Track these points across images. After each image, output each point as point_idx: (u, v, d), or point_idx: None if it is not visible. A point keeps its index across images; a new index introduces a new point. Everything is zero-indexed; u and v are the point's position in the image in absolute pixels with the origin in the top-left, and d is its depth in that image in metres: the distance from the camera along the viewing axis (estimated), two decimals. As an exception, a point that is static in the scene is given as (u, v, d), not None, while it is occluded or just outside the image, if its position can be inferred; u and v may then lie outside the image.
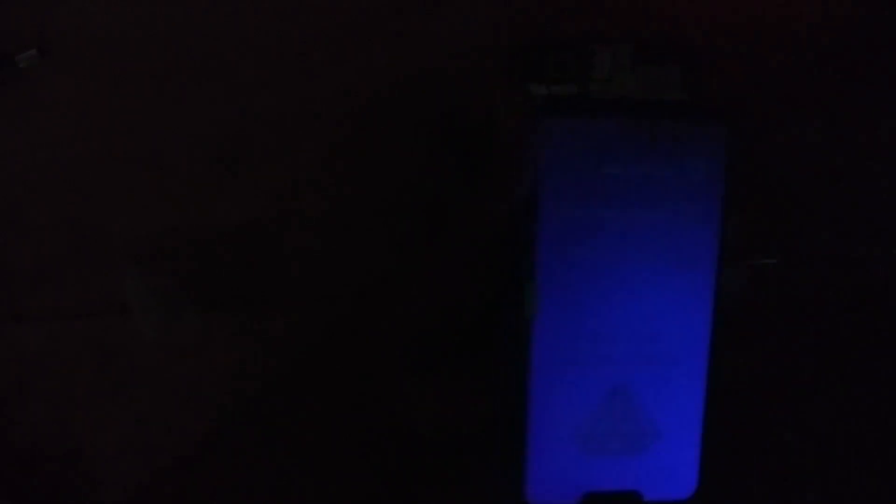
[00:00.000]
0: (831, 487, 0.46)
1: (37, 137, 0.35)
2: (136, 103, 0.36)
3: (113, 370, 0.38)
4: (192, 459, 0.38)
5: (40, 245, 0.36)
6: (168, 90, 0.36)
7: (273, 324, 0.39)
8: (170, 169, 0.37)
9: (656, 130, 0.36)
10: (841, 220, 0.45)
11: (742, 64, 0.41)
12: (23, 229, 0.36)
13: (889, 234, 0.45)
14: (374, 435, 0.40)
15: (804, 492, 0.45)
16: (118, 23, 0.35)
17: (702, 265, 0.38)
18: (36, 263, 0.36)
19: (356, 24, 0.36)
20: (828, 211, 0.45)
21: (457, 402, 0.39)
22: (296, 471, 0.40)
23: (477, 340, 0.39)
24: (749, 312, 0.43)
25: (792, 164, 0.43)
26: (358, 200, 0.38)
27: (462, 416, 0.39)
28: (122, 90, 0.35)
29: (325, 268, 0.39)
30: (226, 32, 0.36)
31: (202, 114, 0.36)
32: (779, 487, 0.46)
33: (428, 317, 0.39)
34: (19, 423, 0.37)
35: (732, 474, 0.42)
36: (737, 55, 0.41)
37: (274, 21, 0.36)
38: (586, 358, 0.37)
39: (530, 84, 0.37)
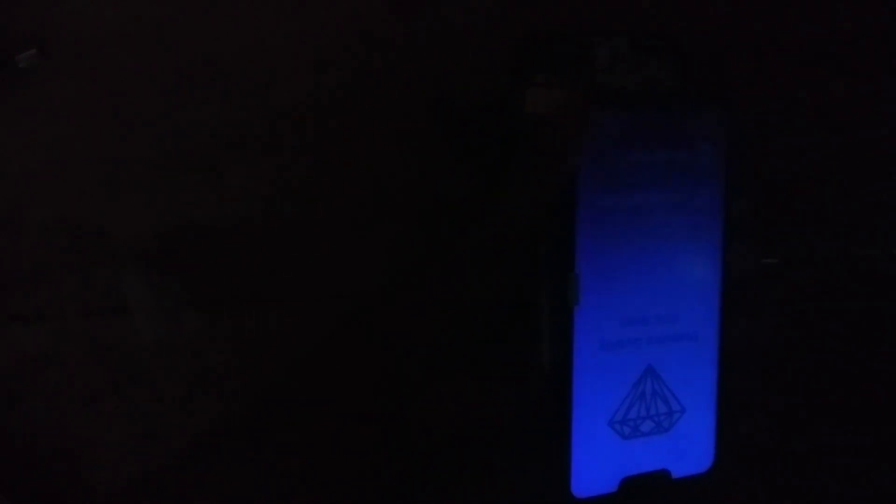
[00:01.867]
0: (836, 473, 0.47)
1: (37, 137, 0.35)
2: (136, 103, 0.36)
3: (113, 370, 0.38)
4: (192, 459, 0.38)
5: (40, 245, 0.36)
6: (168, 90, 0.36)
7: (274, 324, 0.39)
8: (170, 169, 0.37)
9: (665, 119, 0.37)
10: (841, 220, 0.45)
11: (744, 65, 0.41)
12: (23, 229, 0.36)
13: (889, 234, 0.45)
14: (384, 433, 0.40)
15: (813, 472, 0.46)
16: (118, 23, 0.35)
17: (710, 242, 0.39)
18: (36, 263, 0.36)
19: (353, 23, 0.36)
20: (828, 211, 0.45)
21: (483, 399, 0.39)
22: (298, 471, 0.40)
23: (503, 336, 0.39)
24: (750, 310, 0.43)
25: (792, 164, 0.43)
26: (367, 198, 0.38)
27: (489, 413, 0.39)
28: (122, 90, 0.35)
29: (327, 268, 0.39)
30: (225, 33, 0.36)
31: (202, 114, 0.36)
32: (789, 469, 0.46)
33: (443, 315, 0.39)
34: (19, 423, 0.37)
35: (745, 450, 0.42)
36: (736, 53, 0.41)
37: (274, 21, 0.36)
38: (620, 342, 0.38)
39: (533, 75, 0.37)
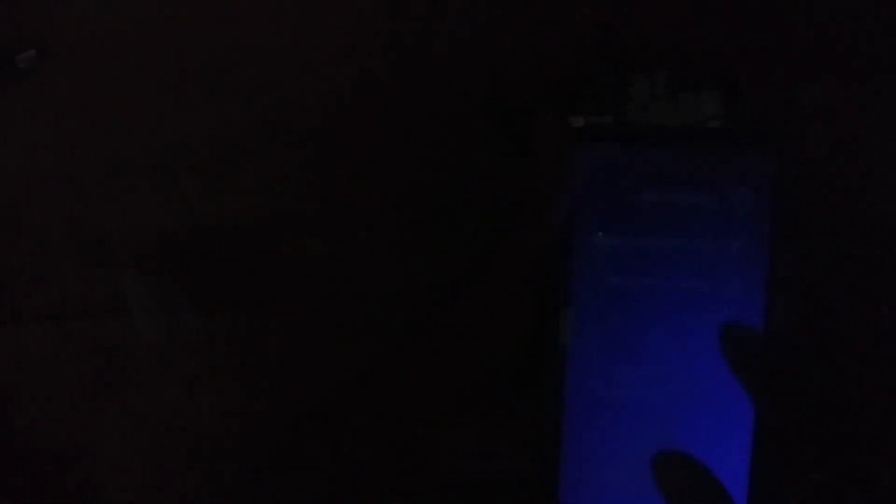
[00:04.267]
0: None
1: (37, 137, 0.35)
2: (136, 103, 0.36)
3: (113, 370, 0.38)
4: (192, 459, 0.38)
5: (40, 245, 0.36)
6: (168, 90, 0.36)
7: (274, 324, 0.39)
8: (170, 169, 0.37)
9: (694, 158, 0.35)
10: (841, 219, 0.45)
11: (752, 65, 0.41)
12: (23, 229, 0.36)
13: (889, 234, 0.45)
14: (383, 431, 0.40)
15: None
16: (118, 23, 0.35)
17: (748, 299, 0.36)
18: (36, 263, 0.36)
19: (357, 23, 0.36)
20: (828, 211, 0.44)
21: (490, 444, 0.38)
22: (298, 471, 0.40)
23: (518, 377, 0.37)
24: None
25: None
26: (369, 198, 0.38)
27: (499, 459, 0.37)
28: (121, 90, 0.35)
29: (328, 268, 0.39)
30: (227, 33, 0.36)
31: (202, 114, 0.36)
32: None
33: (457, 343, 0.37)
34: (19, 423, 0.37)
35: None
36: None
37: (275, 21, 0.36)
38: (622, 398, 0.35)
39: (567, 116, 0.37)
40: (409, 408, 0.37)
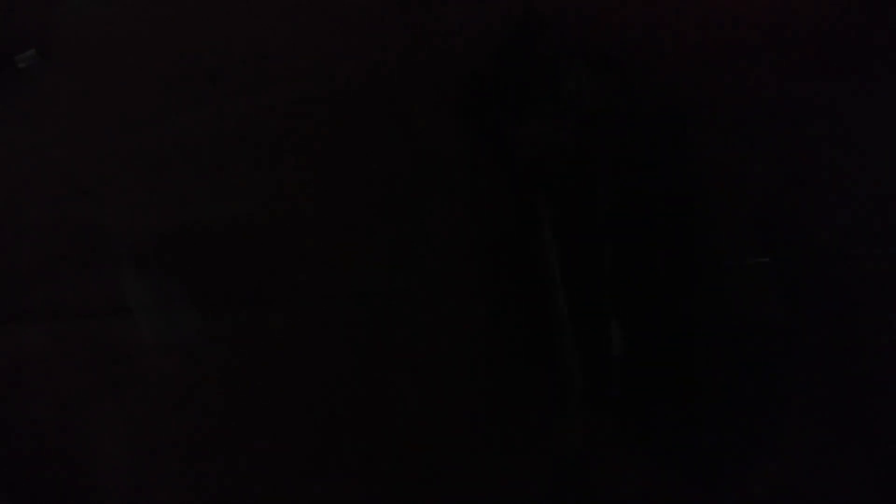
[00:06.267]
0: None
1: (37, 137, 0.35)
2: (136, 103, 0.36)
3: (113, 370, 0.38)
4: (192, 459, 0.38)
5: (40, 245, 0.36)
6: (167, 90, 0.36)
7: (273, 323, 0.39)
8: (169, 168, 0.37)
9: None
10: (841, 220, 0.45)
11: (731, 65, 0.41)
12: (23, 229, 0.36)
13: (889, 234, 0.45)
14: (381, 433, 0.40)
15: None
16: (118, 23, 0.35)
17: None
18: (36, 263, 0.36)
19: (355, 23, 0.36)
20: (828, 211, 0.45)
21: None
22: (296, 471, 0.40)
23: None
24: (745, 310, 0.42)
25: (791, 163, 0.43)
26: (367, 198, 0.38)
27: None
28: (121, 90, 0.35)
29: (327, 267, 0.39)
30: (226, 33, 0.36)
31: (202, 114, 0.36)
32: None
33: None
34: (19, 423, 0.37)
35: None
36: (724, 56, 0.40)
37: (274, 22, 0.36)
38: None
39: (496, 107, 0.37)
40: (414, 403, 0.37)
